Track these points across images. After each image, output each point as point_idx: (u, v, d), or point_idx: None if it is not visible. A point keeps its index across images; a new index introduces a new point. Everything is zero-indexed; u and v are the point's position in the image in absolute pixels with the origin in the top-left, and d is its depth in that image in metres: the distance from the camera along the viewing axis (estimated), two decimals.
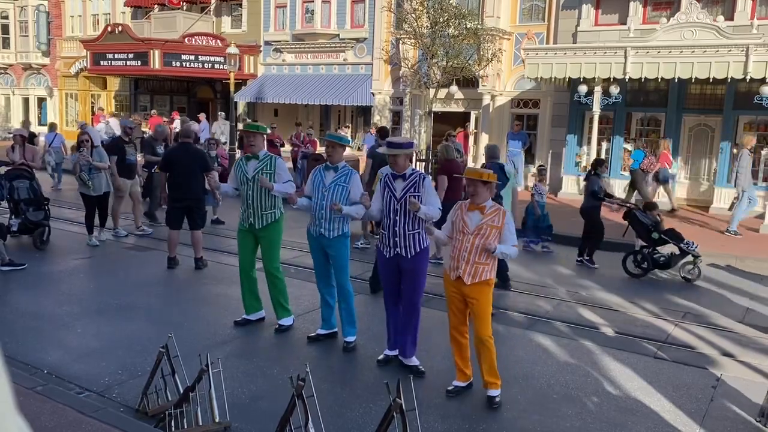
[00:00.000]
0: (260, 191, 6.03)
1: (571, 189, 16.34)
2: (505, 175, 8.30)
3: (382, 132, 10.85)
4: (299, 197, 5.86)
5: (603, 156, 16.15)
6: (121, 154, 10.18)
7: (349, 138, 7.48)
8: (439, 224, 5.23)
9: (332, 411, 4.45)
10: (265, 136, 6.39)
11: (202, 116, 21.21)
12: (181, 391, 4.08)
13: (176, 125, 17.45)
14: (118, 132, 19.74)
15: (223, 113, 21.84)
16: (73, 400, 4.45)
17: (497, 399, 4.72)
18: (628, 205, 9.80)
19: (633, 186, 13.97)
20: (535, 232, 10.54)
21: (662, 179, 14.04)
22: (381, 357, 5.47)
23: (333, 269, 5.80)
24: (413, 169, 5.30)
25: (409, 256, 5.20)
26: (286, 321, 6.21)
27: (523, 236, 10.43)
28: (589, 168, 10.36)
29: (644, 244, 9.15)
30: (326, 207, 5.56)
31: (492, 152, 8.69)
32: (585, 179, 10.04)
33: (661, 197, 14.00)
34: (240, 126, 19.85)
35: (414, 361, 5.35)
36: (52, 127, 16.57)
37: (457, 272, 4.75)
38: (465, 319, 4.91)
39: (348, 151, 8.79)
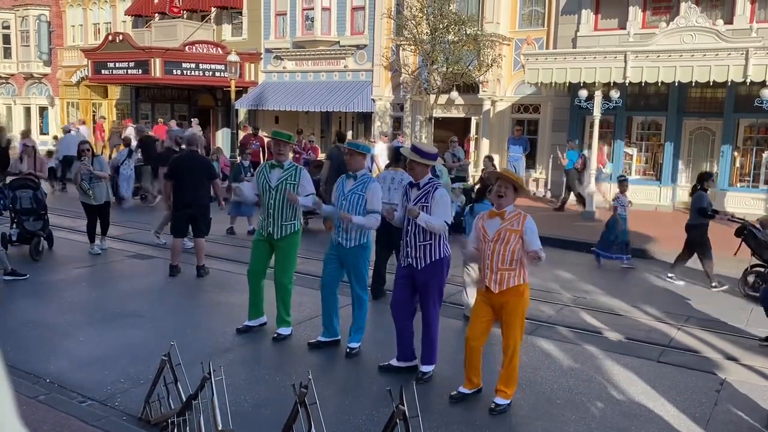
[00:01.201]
0: (283, 201, 5.97)
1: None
2: (436, 175, 8.44)
3: (339, 136, 11.86)
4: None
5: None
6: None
7: (369, 146, 7.70)
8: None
9: (335, 418, 4.43)
10: (292, 144, 6.37)
11: (173, 123, 21.72)
12: (184, 399, 4.07)
13: (129, 132, 17.89)
14: (88, 139, 20.07)
15: (196, 119, 22.51)
16: (76, 409, 4.45)
17: (502, 407, 4.70)
18: (741, 221, 8.77)
19: (569, 186, 15.06)
20: (618, 247, 9.92)
21: (597, 179, 15.04)
22: (384, 364, 5.45)
23: (350, 279, 5.79)
24: (430, 178, 5.23)
25: (419, 267, 5.14)
26: (284, 331, 6.19)
27: (604, 251, 9.98)
28: (695, 182, 9.54)
29: (759, 262, 8.23)
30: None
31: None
32: (690, 194, 9.21)
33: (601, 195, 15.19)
34: (241, 134, 19.92)
35: (427, 368, 5.30)
36: (26, 134, 16.70)
37: (484, 282, 4.72)
38: (486, 332, 4.86)
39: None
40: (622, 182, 10.38)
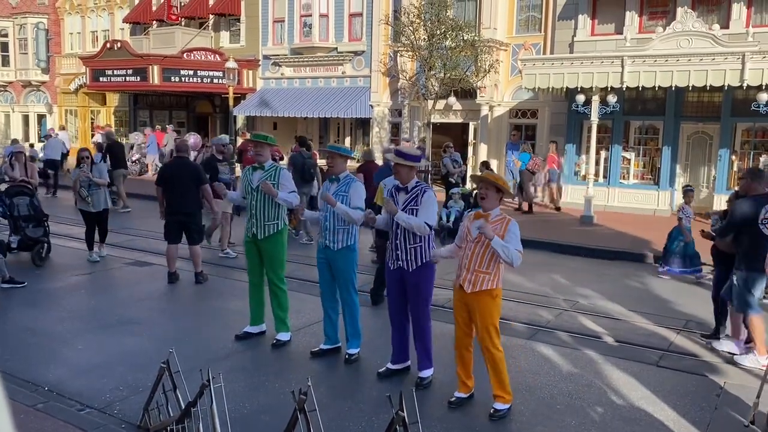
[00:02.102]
0: (264, 201, 6.05)
1: (571, 198, 16.33)
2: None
3: (301, 141, 12.58)
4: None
5: (602, 164, 16.21)
6: (213, 174, 9.75)
7: (350, 148, 8.01)
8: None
9: (335, 425, 4.42)
10: (272, 147, 6.37)
11: (148, 131, 22.64)
12: (183, 406, 4.06)
13: (97, 138, 19.25)
14: (68, 144, 20.79)
15: (171, 125, 23.61)
16: (74, 417, 4.44)
17: (501, 413, 4.69)
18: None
19: (521, 187, 15.57)
20: (683, 260, 9.35)
21: (550, 179, 16.22)
22: (382, 370, 5.45)
23: (337, 282, 5.77)
24: (417, 182, 5.24)
25: (411, 270, 5.16)
26: (283, 336, 6.19)
27: (668, 264, 9.46)
28: None
29: None
30: (330, 219, 5.58)
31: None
32: None
33: (554, 196, 16.30)
34: (239, 140, 19.94)
35: (426, 373, 5.30)
36: (14, 141, 16.97)
37: (458, 281, 4.76)
38: (470, 331, 4.85)
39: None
40: (688, 192, 9.84)
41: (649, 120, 16.05)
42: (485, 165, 11.45)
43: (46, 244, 9.39)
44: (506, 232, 4.59)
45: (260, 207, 6.07)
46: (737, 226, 5.93)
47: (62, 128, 24.66)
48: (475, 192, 7.66)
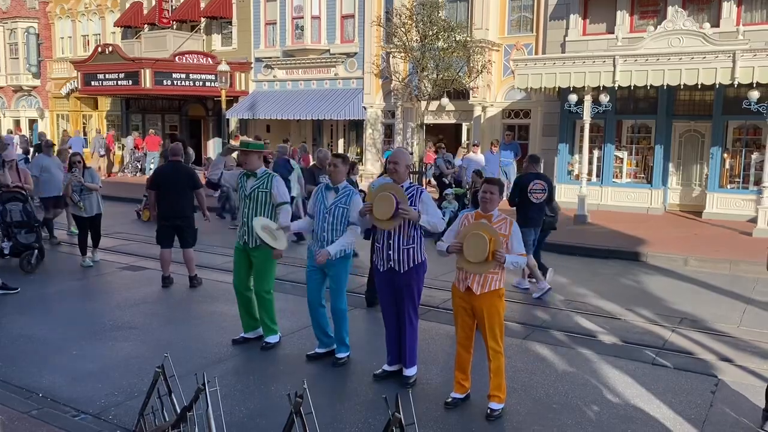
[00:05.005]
0: (256, 209, 6.00)
1: (564, 198, 16.36)
2: (291, 167, 11.10)
3: (173, 138, 13.97)
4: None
5: (595, 164, 16.27)
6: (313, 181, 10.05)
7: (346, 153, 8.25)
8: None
9: (331, 427, 4.42)
10: (261, 152, 6.28)
11: (72, 132, 24.28)
12: (178, 411, 4.05)
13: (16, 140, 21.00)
14: (20, 150, 21.32)
15: (135, 132, 24.82)
16: (69, 424, 4.42)
17: (497, 412, 4.70)
18: None
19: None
20: None
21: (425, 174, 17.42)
22: (378, 371, 5.44)
23: (330, 290, 5.70)
24: (411, 183, 5.25)
25: (402, 271, 5.16)
26: (272, 339, 6.17)
27: None
28: None
29: None
30: (328, 229, 5.50)
31: (282, 151, 11.82)
32: None
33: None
34: (232, 143, 19.92)
35: (412, 371, 5.31)
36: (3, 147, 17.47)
37: (466, 283, 4.71)
38: (472, 333, 4.85)
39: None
40: None
41: (642, 119, 16.11)
42: (478, 174, 11.36)
43: (36, 251, 9.32)
44: (511, 233, 4.66)
45: (252, 215, 6.00)
46: (517, 194, 8.22)
47: (10, 132, 25.50)
48: (469, 192, 7.70)
